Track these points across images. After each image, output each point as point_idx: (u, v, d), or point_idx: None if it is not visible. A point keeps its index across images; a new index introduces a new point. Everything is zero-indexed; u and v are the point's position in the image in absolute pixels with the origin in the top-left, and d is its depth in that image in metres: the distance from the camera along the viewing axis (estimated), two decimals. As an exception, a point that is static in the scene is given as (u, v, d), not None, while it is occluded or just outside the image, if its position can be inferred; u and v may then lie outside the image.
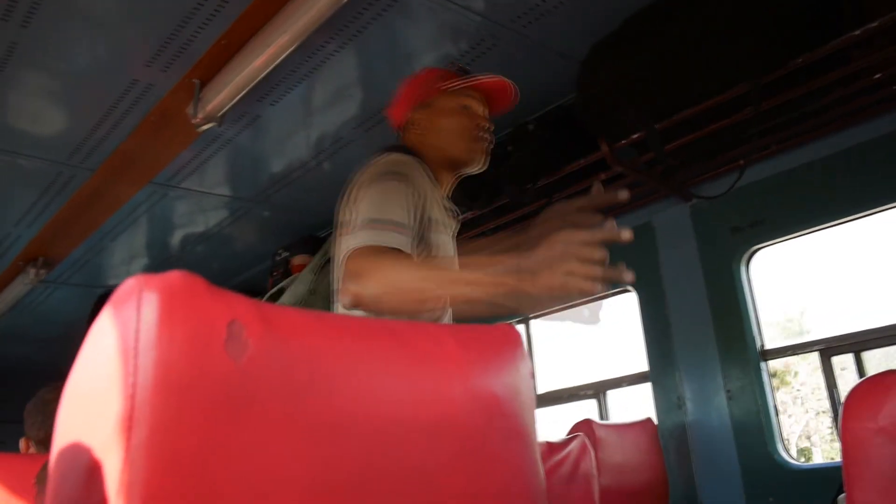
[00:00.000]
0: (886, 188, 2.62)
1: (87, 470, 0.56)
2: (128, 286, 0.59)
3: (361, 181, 1.58)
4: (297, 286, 1.82)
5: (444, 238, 1.68)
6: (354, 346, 0.69)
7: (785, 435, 3.01)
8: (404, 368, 0.72)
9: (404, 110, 1.82)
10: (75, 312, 4.94)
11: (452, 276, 1.46)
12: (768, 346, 2.92)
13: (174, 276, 0.59)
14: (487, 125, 1.79)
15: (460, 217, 1.85)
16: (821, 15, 2.22)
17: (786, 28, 2.24)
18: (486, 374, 0.79)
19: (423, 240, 1.58)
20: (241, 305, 0.62)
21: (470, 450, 0.76)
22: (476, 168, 1.80)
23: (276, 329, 0.64)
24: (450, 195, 1.83)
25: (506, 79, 1.79)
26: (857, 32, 2.10)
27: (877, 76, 2.28)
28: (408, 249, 1.46)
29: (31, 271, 4.03)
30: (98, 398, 0.57)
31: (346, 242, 1.47)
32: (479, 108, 1.80)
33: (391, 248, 1.43)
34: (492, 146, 1.81)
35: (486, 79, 1.77)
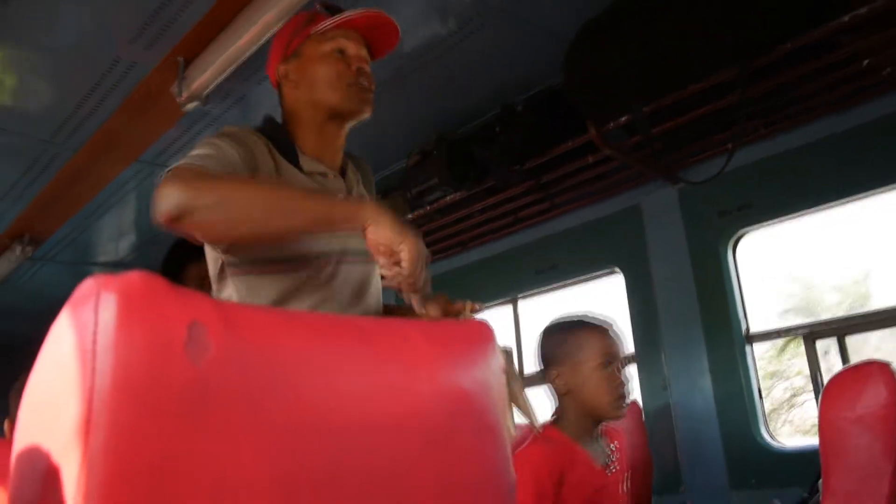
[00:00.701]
0: (874, 173, 2.62)
1: (46, 474, 0.55)
2: (86, 287, 0.58)
3: None
4: None
5: None
6: (319, 344, 0.69)
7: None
8: (371, 366, 0.72)
9: (275, 65, 1.64)
10: (63, 289, 4.87)
11: (284, 196, 1.30)
12: (771, 326, 2.94)
13: (133, 277, 0.58)
14: (365, 68, 1.59)
15: (356, 180, 1.68)
16: (810, 1, 2.20)
17: (775, 13, 2.22)
18: (456, 370, 0.79)
19: None
20: (202, 306, 0.61)
21: (439, 446, 0.76)
22: (359, 116, 1.59)
23: (239, 329, 0.63)
24: (341, 148, 1.65)
25: (380, 11, 1.58)
26: (846, 19, 2.09)
27: (865, 62, 2.27)
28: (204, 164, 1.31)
29: (18, 248, 4.00)
30: (56, 401, 0.57)
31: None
32: (358, 50, 1.59)
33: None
34: (371, 91, 1.60)
35: (356, 14, 1.56)
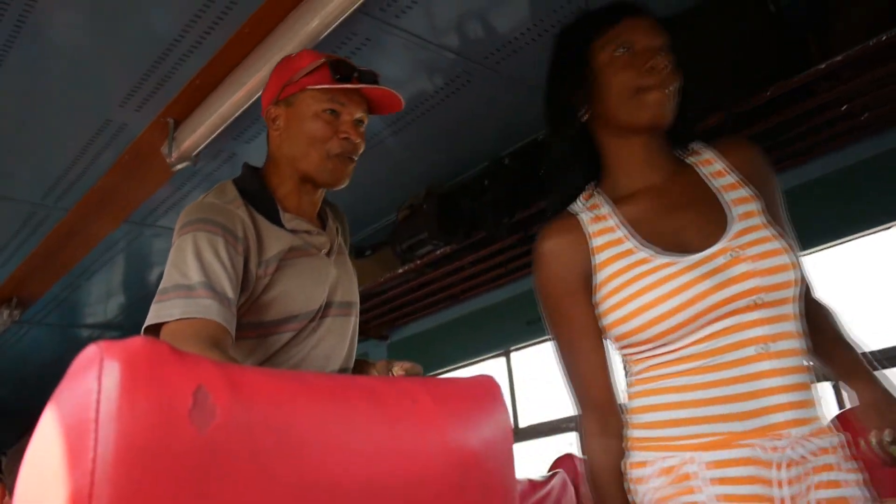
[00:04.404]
0: (857, 216, 2.65)
1: (46, 548, 0.54)
2: (88, 353, 0.57)
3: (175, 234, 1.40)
4: None
5: (304, 263, 1.49)
6: (326, 405, 0.68)
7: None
8: (378, 427, 0.71)
9: (268, 100, 1.56)
10: (50, 353, 4.86)
11: None
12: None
13: (137, 343, 0.58)
14: (353, 137, 1.50)
15: (336, 229, 1.64)
16: (789, 49, 2.26)
17: (754, 61, 2.27)
18: (463, 429, 0.78)
19: (258, 288, 1.41)
20: (207, 371, 0.61)
21: (446, 505, 0.75)
22: (331, 188, 1.54)
23: (244, 393, 0.62)
24: (319, 201, 1.60)
25: (384, 88, 1.52)
26: (822, 66, 2.14)
27: (843, 107, 2.32)
28: (217, 317, 1.29)
29: (5, 312, 3.97)
30: (56, 472, 0.55)
31: (152, 312, 1.31)
32: (352, 114, 1.51)
33: (200, 318, 1.27)
34: (353, 161, 1.53)
35: (359, 88, 1.51)
